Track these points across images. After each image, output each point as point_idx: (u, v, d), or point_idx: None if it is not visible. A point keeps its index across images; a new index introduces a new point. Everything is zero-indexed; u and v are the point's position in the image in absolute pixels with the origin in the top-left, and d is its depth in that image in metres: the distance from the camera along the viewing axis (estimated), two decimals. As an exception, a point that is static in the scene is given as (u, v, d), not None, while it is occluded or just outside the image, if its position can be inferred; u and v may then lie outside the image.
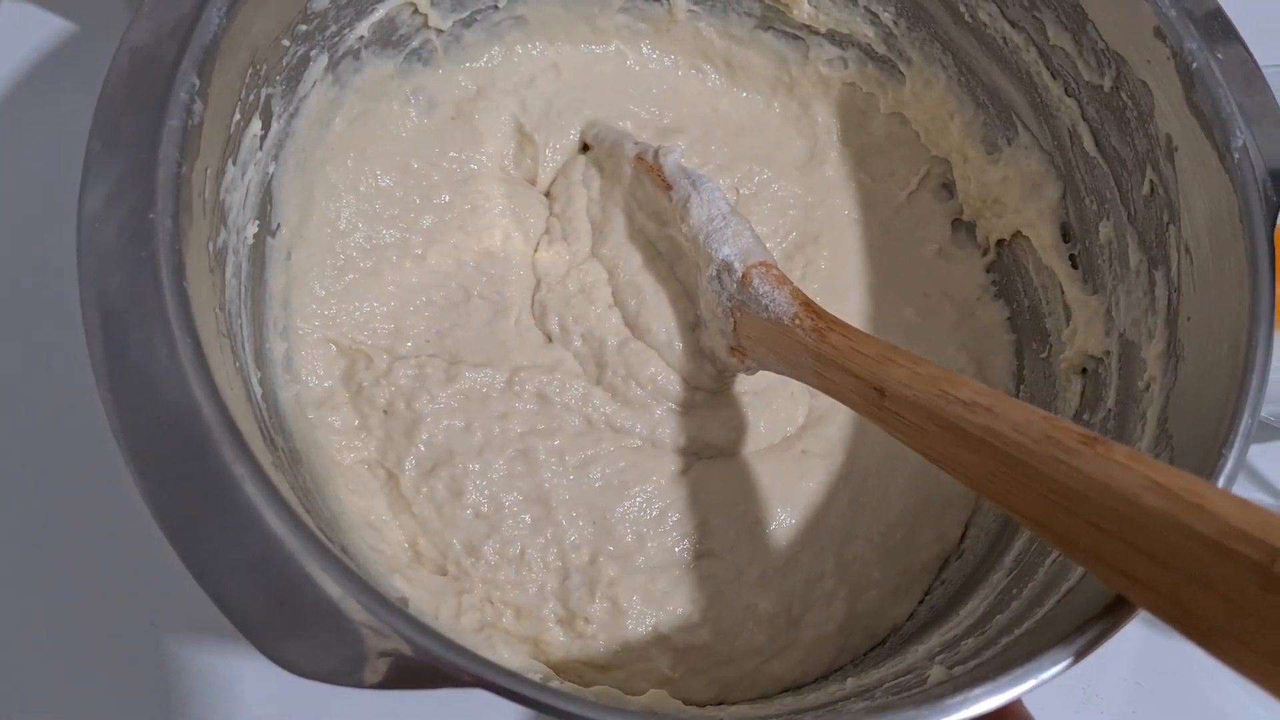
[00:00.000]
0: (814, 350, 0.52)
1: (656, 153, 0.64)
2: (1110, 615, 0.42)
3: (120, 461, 0.50)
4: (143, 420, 0.39)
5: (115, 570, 0.64)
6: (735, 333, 0.58)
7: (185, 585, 0.60)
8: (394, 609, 0.38)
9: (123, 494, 0.62)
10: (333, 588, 0.38)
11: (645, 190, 0.66)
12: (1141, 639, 0.69)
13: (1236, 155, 0.50)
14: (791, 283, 0.56)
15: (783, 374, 0.57)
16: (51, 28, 0.78)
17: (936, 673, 0.47)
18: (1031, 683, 0.41)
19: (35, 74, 0.77)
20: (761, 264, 0.57)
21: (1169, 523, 0.34)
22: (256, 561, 0.38)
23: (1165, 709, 0.68)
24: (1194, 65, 0.52)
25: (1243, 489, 0.74)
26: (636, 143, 0.67)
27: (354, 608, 0.38)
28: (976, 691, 0.41)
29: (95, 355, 0.40)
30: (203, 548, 0.38)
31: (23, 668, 0.62)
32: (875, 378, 0.47)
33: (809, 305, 0.54)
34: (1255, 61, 0.53)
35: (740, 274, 0.57)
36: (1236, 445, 0.45)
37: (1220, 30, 0.53)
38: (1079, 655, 0.41)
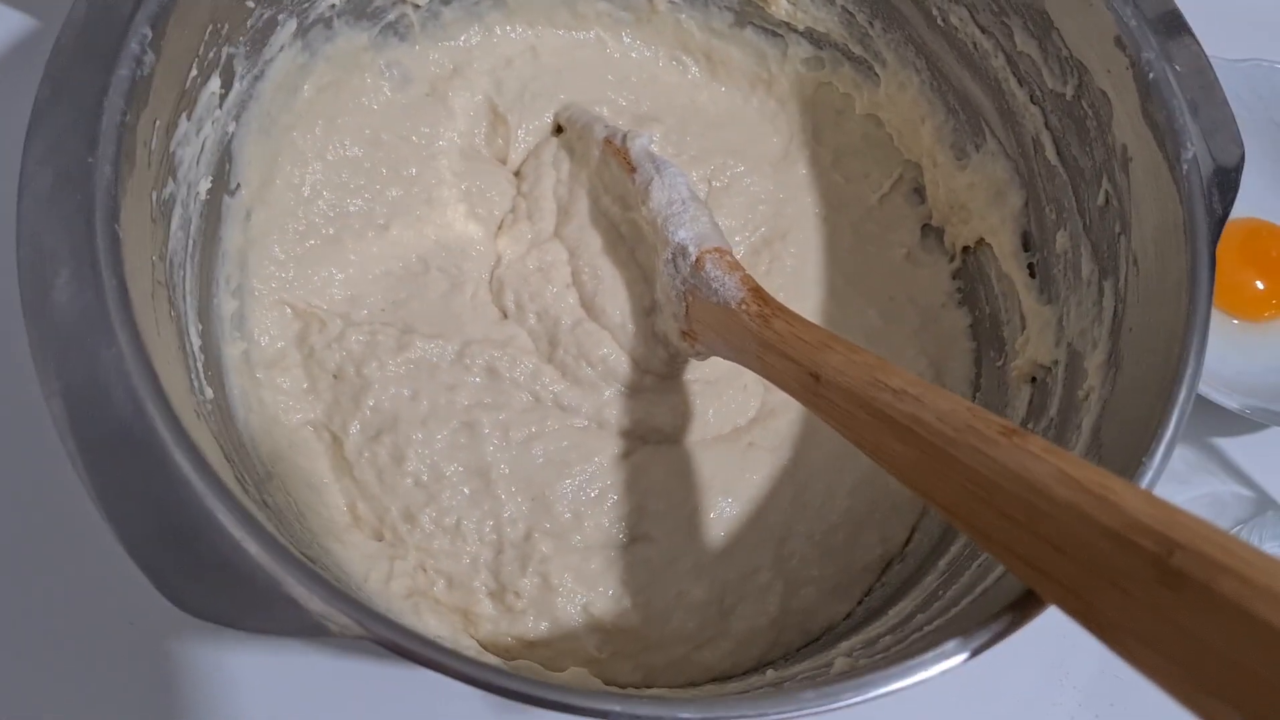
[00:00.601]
0: (757, 335, 0.52)
1: (625, 136, 0.65)
2: (1016, 611, 0.42)
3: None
4: (64, 359, 0.40)
5: (96, 566, 0.64)
6: (687, 316, 0.59)
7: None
8: (295, 559, 0.39)
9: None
10: (234, 529, 0.38)
11: (611, 173, 0.66)
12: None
13: (1185, 167, 0.50)
14: (743, 269, 0.57)
15: (729, 359, 0.57)
16: (11, 23, 0.80)
17: (840, 663, 0.47)
18: (926, 673, 0.41)
19: (4, 69, 0.78)
20: (715, 249, 0.58)
21: (1075, 514, 0.34)
22: (159, 499, 0.38)
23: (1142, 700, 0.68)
24: (1150, 75, 0.52)
25: (1221, 482, 0.75)
26: (607, 126, 0.67)
27: (254, 550, 0.38)
28: (871, 678, 0.41)
29: (25, 294, 0.41)
30: (110, 481, 0.38)
31: (7, 667, 0.62)
32: (812, 364, 0.48)
33: (757, 291, 0.55)
34: (1211, 66, 0.53)
35: (694, 258, 0.58)
36: (1159, 454, 0.46)
37: (1176, 30, 0.53)
38: (977, 650, 0.42)
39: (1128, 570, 0.32)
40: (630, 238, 0.66)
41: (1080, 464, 0.35)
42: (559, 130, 0.73)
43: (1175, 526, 0.31)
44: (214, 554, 0.38)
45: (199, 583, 0.38)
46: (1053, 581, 0.36)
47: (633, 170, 0.63)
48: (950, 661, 0.41)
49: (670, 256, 0.59)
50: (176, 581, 0.38)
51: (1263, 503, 0.74)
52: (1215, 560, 0.29)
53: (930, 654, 0.41)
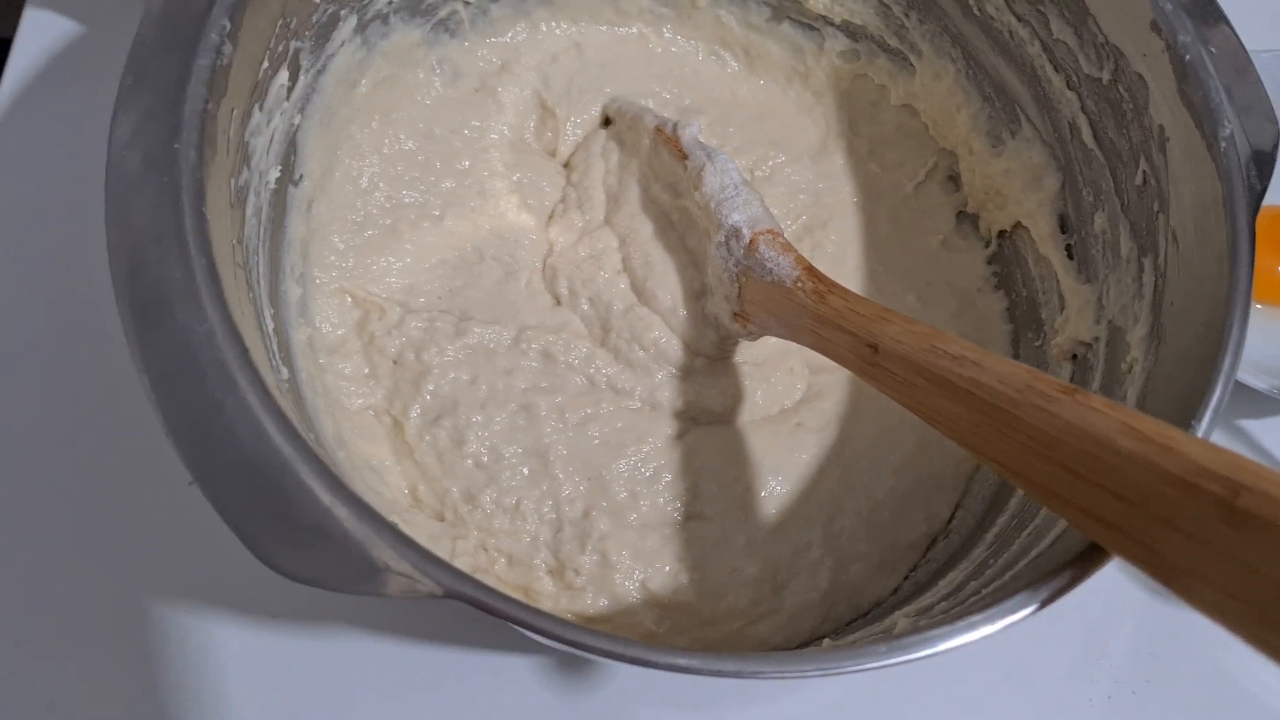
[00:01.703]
0: (813, 311, 0.54)
1: (675, 125, 0.67)
2: (1079, 565, 0.43)
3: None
4: (156, 332, 0.41)
5: (102, 540, 0.65)
6: (739, 298, 0.61)
7: (172, 556, 0.62)
8: (383, 521, 0.40)
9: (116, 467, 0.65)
10: (324, 495, 0.40)
11: (662, 161, 0.68)
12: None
13: (1223, 144, 0.52)
14: (795, 250, 0.58)
15: (782, 336, 0.59)
16: (65, 29, 0.82)
17: (902, 624, 0.48)
18: (993, 626, 0.42)
19: (50, 72, 0.81)
20: (768, 231, 0.60)
21: (1141, 463, 0.35)
22: (253, 466, 0.40)
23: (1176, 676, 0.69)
24: (1187, 58, 0.54)
25: None
26: (657, 116, 0.70)
27: (344, 516, 0.40)
28: (936, 633, 0.42)
29: (116, 271, 0.42)
30: (203, 451, 0.40)
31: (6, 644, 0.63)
32: (870, 335, 0.50)
33: (811, 270, 0.56)
34: (1246, 51, 0.55)
35: (748, 239, 0.59)
36: (1207, 419, 0.47)
37: (1212, 17, 0.55)
38: (1045, 602, 0.43)
39: (1194, 514, 0.33)
40: (680, 224, 0.68)
41: (1142, 417, 0.37)
42: (607, 122, 0.75)
43: (1239, 470, 0.33)
44: (306, 519, 0.40)
45: (291, 547, 0.39)
46: (1117, 531, 0.38)
47: (684, 157, 0.65)
48: (1018, 615, 0.42)
49: (724, 239, 0.61)
50: (271, 547, 0.39)
51: (1293, 482, 0.75)
52: None
53: (996, 609, 0.43)
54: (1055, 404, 0.40)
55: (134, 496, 0.65)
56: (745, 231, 0.60)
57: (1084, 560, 0.43)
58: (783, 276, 0.56)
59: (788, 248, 0.58)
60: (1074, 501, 0.40)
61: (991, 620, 0.43)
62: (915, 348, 0.47)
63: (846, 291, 0.54)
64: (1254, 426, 0.78)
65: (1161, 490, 0.35)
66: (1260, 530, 0.31)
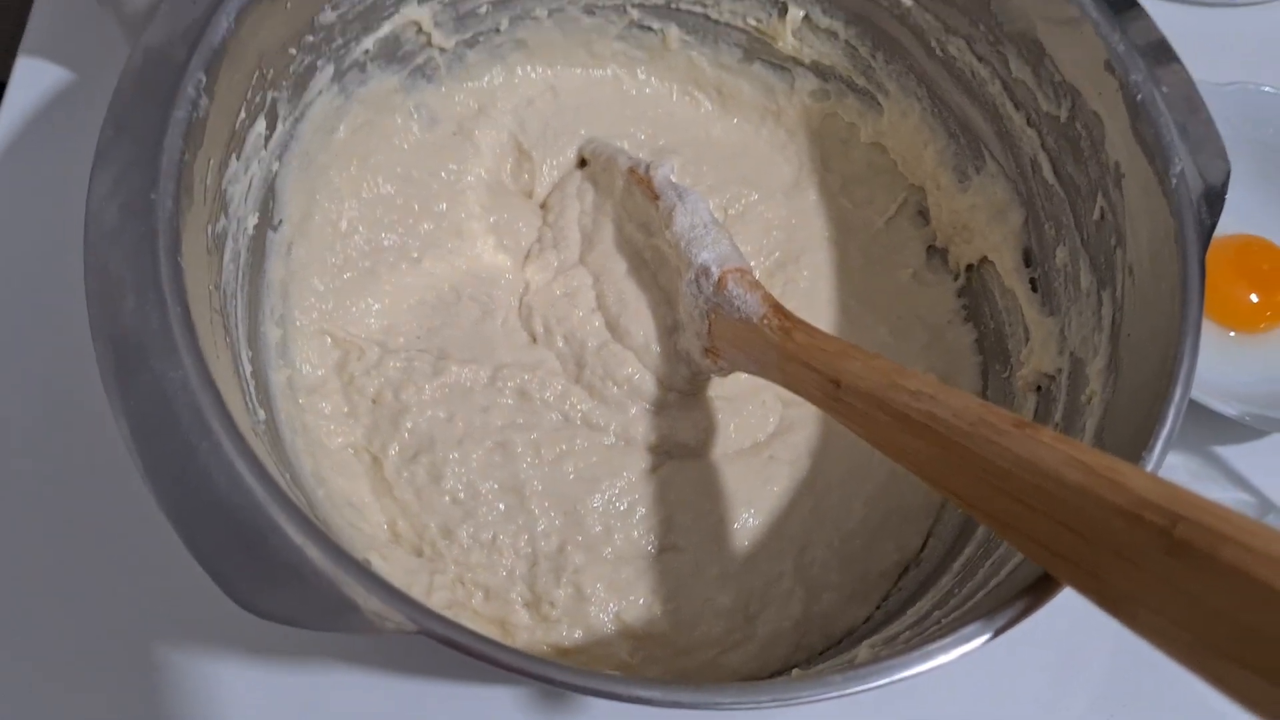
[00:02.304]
0: (779, 347, 0.55)
1: (648, 166, 0.69)
2: (1032, 594, 0.45)
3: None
4: (133, 379, 0.43)
5: (110, 575, 0.66)
6: (710, 334, 0.62)
7: (176, 591, 0.64)
8: (352, 560, 0.41)
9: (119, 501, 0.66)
10: (296, 535, 0.41)
11: (635, 201, 0.70)
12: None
13: (1175, 181, 0.53)
14: (763, 287, 0.60)
15: (751, 372, 0.60)
16: (57, 76, 0.84)
17: (864, 653, 0.50)
18: (948, 655, 0.44)
19: (42, 118, 0.82)
20: (737, 269, 0.61)
21: (1087, 495, 0.37)
22: (227, 508, 0.41)
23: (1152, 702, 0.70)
24: (1139, 96, 0.55)
25: (1222, 489, 0.77)
26: (630, 157, 0.71)
27: (315, 555, 0.41)
28: (895, 662, 0.44)
29: (94, 319, 0.44)
30: (178, 494, 0.41)
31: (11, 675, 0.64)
32: (833, 370, 0.51)
33: (777, 307, 0.58)
34: (1196, 89, 0.56)
35: (717, 277, 0.61)
36: (1159, 448, 0.48)
37: (1165, 58, 0.57)
38: (999, 631, 0.44)
39: (1137, 544, 0.35)
40: (653, 262, 0.69)
41: (1088, 450, 0.38)
42: (582, 164, 0.76)
43: (1178, 502, 0.34)
44: (278, 559, 0.41)
45: (264, 587, 0.40)
46: (1067, 561, 0.39)
47: (656, 197, 0.66)
48: (972, 644, 0.44)
49: (694, 277, 0.62)
50: (243, 586, 0.40)
51: (1264, 507, 0.76)
52: (1217, 530, 0.32)
53: (952, 638, 0.44)
54: (1006, 437, 0.41)
55: (128, 537, 0.66)
56: (714, 269, 0.61)
57: (1037, 589, 0.45)
58: (750, 313, 0.58)
59: (755, 285, 0.60)
60: (1026, 532, 0.41)
61: (947, 649, 0.44)
62: (876, 383, 0.48)
63: (812, 328, 0.55)
64: (1228, 452, 0.79)
65: (1107, 521, 0.36)
66: (1198, 560, 0.32)
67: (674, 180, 0.68)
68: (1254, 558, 0.31)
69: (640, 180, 0.68)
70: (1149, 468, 0.48)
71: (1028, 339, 0.66)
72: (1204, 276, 0.51)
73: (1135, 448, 0.49)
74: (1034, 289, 0.66)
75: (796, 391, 0.55)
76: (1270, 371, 0.78)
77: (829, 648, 0.63)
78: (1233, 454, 0.79)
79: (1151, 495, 0.35)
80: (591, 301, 0.69)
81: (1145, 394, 0.51)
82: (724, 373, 0.64)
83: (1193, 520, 0.33)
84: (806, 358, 0.53)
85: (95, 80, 0.84)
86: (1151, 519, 0.34)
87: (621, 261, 0.70)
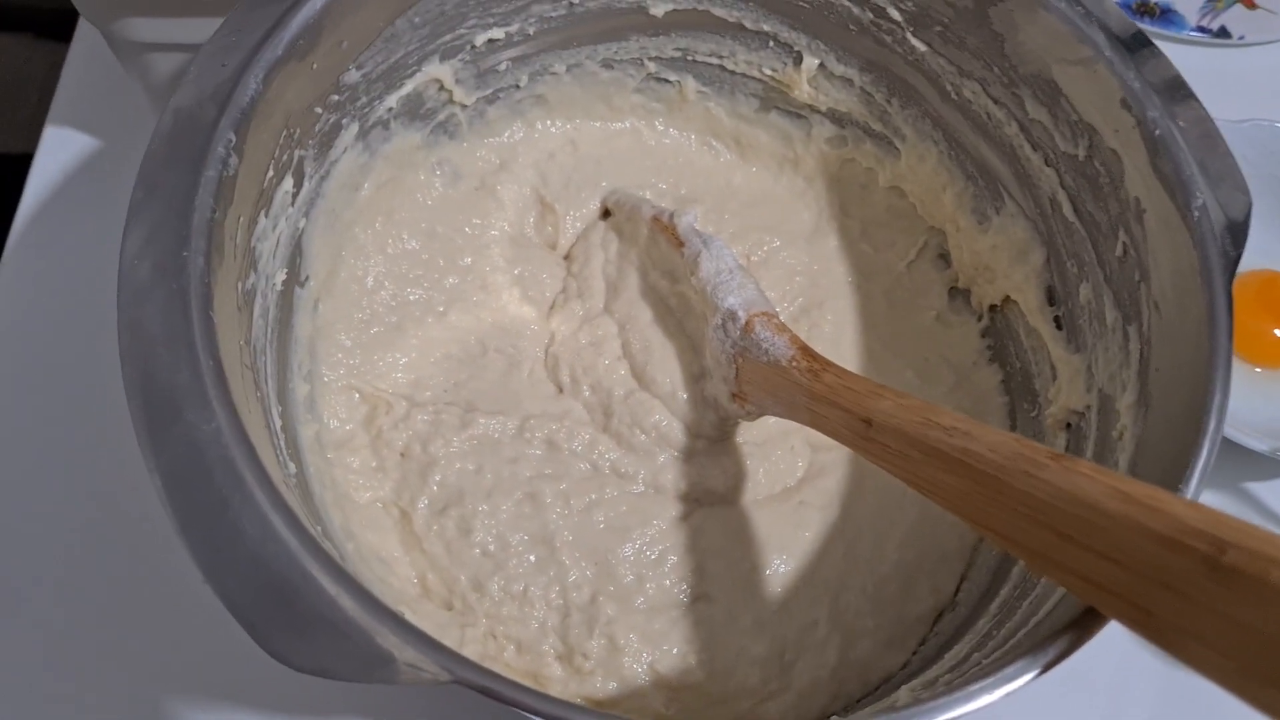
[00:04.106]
0: (808, 389, 0.55)
1: (672, 215, 0.69)
2: (1077, 629, 0.44)
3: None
4: (166, 433, 0.43)
5: (117, 637, 0.66)
6: (737, 379, 0.62)
7: (186, 652, 0.63)
8: (387, 611, 0.41)
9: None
10: (330, 586, 0.41)
11: (659, 249, 0.70)
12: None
13: (1196, 214, 0.53)
14: (790, 330, 0.60)
15: (780, 415, 0.60)
16: (84, 144, 0.86)
17: (904, 695, 0.49)
18: (992, 696, 0.43)
19: (70, 184, 0.84)
20: (763, 313, 0.61)
21: (1129, 525, 0.36)
22: (259, 559, 0.41)
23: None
24: (1157, 132, 0.56)
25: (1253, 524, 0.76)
26: (654, 206, 0.72)
27: (349, 606, 0.41)
28: (936, 704, 0.43)
29: (128, 376, 0.44)
30: (211, 547, 0.41)
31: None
32: (864, 410, 0.51)
33: (805, 349, 0.58)
34: (1214, 123, 0.56)
35: (744, 321, 0.61)
36: (1195, 480, 0.48)
37: (1181, 96, 0.57)
38: (1046, 667, 0.43)
39: (1183, 572, 0.34)
40: (678, 309, 0.70)
41: (1128, 480, 0.38)
42: (605, 214, 0.77)
43: (1224, 527, 0.33)
44: (312, 611, 0.41)
45: (298, 638, 0.40)
46: (1110, 594, 0.38)
47: (681, 245, 0.67)
48: (1018, 681, 0.43)
49: (720, 322, 0.62)
50: (277, 638, 0.40)
51: (1299, 543, 0.75)
52: (1266, 554, 0.32)
53: (995, 677, 0.43)
54: (1044, 470, 0.41)
55: (150, 594, 0.66)
56: (741, 314, 0.61)
57: (1081, 624, 0.44)
58: (778, 356, 0.58)
59: (782, 328, 0.60)
60: (1067, 566, 0.40)
61: (991, 689, 0.43)
62: (908, 420, 0.48)
63: (840, 369, 0.55)
64: (1258, 489, 0.78)
65: (1150, 550, 0.36)
66: (1247, 586, 0.32)
67: (698, 228, 0.68)
68: None
69: (665, 228, 0.69)
70: (1187, 496, 0.48)
71: (1055, 377, 0.65)
72: (1231, 307, 0.51)
73: (1171, 481, 0.48)
74: (1059, 327, 0.66)
75: (826, 432, 0.55)
76: (1300, 406, 0.77)
77: (866, 695, 0.62)
78: (1263, 490, 0.78)
79: (1195, 522, 0.34)
80: (617, 350, 0.70)
81: (1178, 427, 0.51)
82: (751, 417, 0.64)
83: (1240, 545, 0.32)
84: (836, 398, 0.53)
85: (121, 148, 0.85)
86: (1197, 545, 0.34)
87: (646, 309, 0.71)
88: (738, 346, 0.61)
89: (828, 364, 0.56)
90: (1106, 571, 0.38)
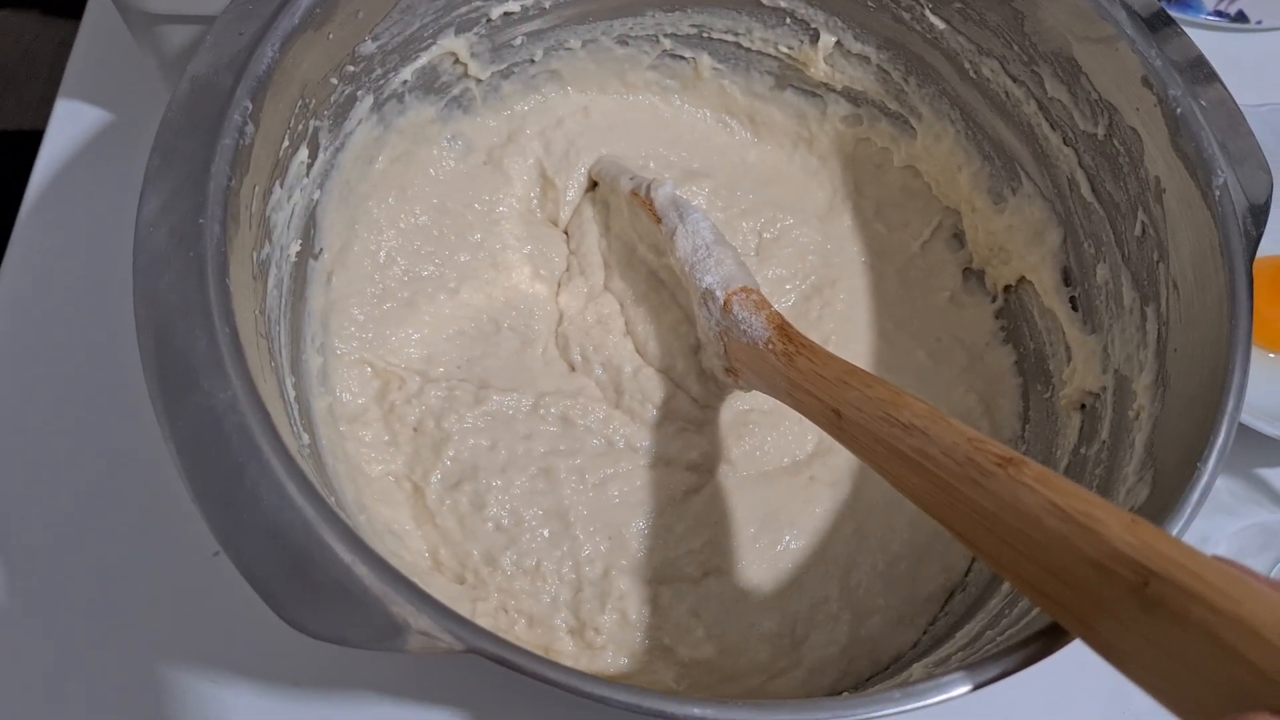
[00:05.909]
0: (784, 374, 0.55)
1: (648, 187, 0.68)
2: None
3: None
4: (182, 401, 0.43)
5: (123, 609, 0.66)
6: (727, 355, 0.62)
7: (192, 624, 0.63)
8: (403, 579, 0.41)
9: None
10: (345, 554, 0.41)
11: (642, 223, 0.70)
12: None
13: (1218, 193, 0.53)
14: (770, 306, 0.60)
15: (769, 395, 0.60)
16: (95, 117, 0.85)
17: (918, 671, 0.49)
18: (1009, 671, 0.43)
19: (81, 157, 0.84)
20: (742, 289, 0.61)
21: (1064, 545, 0.36)
22: (276, 527, 0.41)
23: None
24: (1178, 110, 0.55)
25: (1270, 512, 0.76)
26: (631, 178, 0.71)
27: (365, 575, 0.41)
28: (950, 679, 0.43)
29: (144, 343, 0.44)
30: (227, 515, 0.41)
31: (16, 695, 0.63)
32: (833, 400, 0.51)
33: (782, 329, 0.57)
34: (1236, 104, 0.56)
35: (722, 301, 0.61)
36: (1212, 461, 0.48)
37: (1203, 76, 0.57)
38: (1057, 646, 0.43)
39: (1114, 598, 0.34)
40: (669, 282, 0.70)
41: (1069, 492, 0.37)
42: (593, 185, 0.76)
43: (1152, 555, 0.33)
44: (327, 578, 0.40)
45: (314, 606, 0.40)
46: (1058, 605, 0.38)
47: (658, 220, 0.66)
48: (1035, 659, 0.43)
49: (702, 300, 0.62)
50: (293, 606, 0.40)
51: (1310, 529, 0.75)
52: (1187, 588, 0.31)
53: (1013, 656, 0.43)
54: (990, 479, 0.40)
55: (155, 566, 0.66)
56: (719, 293, 0.61)
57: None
58: (755, 337, 0.58)
59: (761, 305, 0.59)
60: (1019, 574, 0.40)
61: (1008, 665, 0.43)
62: (870, 415, 0.47)
63: (815, 350, 0.55)
64: (1271, 475, 0.78)
65: (1083, 572, 0.35)
66: (1170, 619, 0.31)
67: (676, 196, 0.67)
68: (1219, 619, 0.30)
69: (642, 203, 0.68)
70: (1203, 481, 0.47)
71: (1069, 358, 0.65)
72: (1252, 287, 0.51)
73: (1188, 461, 0.48)
74: (1074, 308, 0.66)
75: (807, 416, 0.54)
76: (1313, 393, 0.77)
77: (876, 673, 0.62)
78: (1276, 476, 0.78)
79: (1124, 546, 0.34)
80: (622, 327, 0.70)
81: (1196, 407, 0.51)
82: (746, 390, 0.64)
83: (1164, 577, 0.32)
84: (808, 385, 0.53)
85: (132, 123, 0.85)
86: (1123, 574, 0.33)
87: (640, 284, 0.71)
88: (720, 325, 0.61)
89: (803, 345, 0.55)
90: (1051, 585, 0.38)
